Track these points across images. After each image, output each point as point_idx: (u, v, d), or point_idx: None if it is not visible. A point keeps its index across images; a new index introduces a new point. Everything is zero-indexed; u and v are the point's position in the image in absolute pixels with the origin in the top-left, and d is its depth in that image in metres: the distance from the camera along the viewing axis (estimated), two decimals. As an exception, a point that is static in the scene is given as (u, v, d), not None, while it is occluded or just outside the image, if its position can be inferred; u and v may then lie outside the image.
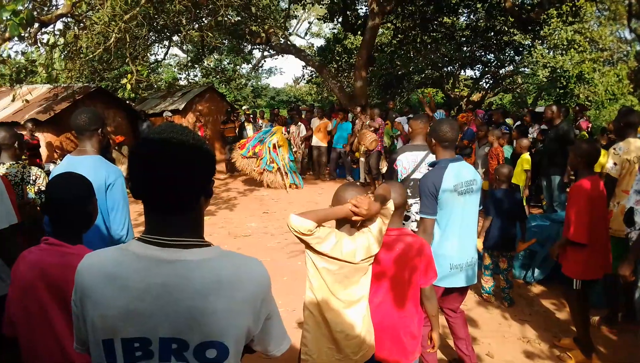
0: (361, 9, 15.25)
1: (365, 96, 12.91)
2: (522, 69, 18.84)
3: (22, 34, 5.63)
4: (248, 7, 12.04)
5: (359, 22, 14.63)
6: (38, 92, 11.74)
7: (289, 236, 7.08)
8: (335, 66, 17.92)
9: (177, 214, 1.14)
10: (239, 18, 13.39)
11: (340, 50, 17.67)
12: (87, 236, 2.67)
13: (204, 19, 12.51)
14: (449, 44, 16.49)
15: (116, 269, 1.11)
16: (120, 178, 2.68)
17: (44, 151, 9.74)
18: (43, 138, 10.04)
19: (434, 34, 15.83)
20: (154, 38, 13.62)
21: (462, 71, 20.45)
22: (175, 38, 14.69)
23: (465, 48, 17.14)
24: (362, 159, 10.20)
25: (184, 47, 18.02)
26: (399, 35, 15.81)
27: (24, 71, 10.10)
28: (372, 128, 9.72)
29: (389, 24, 16.25)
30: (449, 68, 19.34)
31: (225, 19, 12.58)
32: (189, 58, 18.05)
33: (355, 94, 13.14)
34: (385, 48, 17.95)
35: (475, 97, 20.62)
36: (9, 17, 4.43)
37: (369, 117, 10.01)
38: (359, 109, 10.62)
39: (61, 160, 9.63)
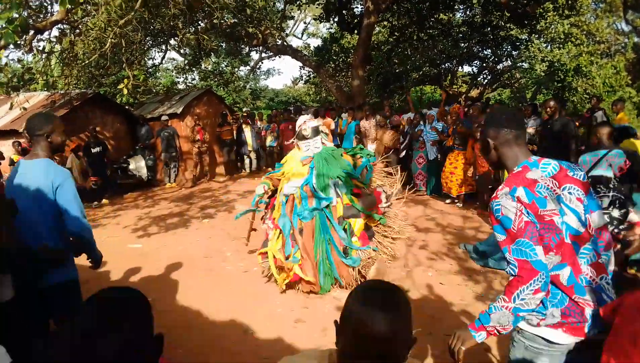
0: (357, 7, 15.24)
1: (363, 95, 12.91)
2: (520, 63, 18.83)
3: (18, 42, 5.64)
4: (243, 9, 12.03)
5: (355, 20, 14.62)
6: (36, 99, 11.76)
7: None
8: (332, 65, 17.92)
9: None
10: (235, 20, 13.39)
11: (337, 49, 17.66)
12: (45, 238, 2.72)
13: (199, 22, 12.52)
14: (445, 40, 16.47)
15: None
16: (69, 179, 2.80)
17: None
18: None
19: (431, 30, 15.82)
20: (150, 42, 13.63)
21: (460, 67, 20.42)
22: (172, 42, 14.70)
23: (462, 44, 17.12)
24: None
25: (182, 50, 18.02)
26: (396, 33, 15.80)
27: (21, 78, 10.10)
28: (391, 125, 9.53)
29: (385, 22, 16.25)
30: (446, 65, 19.31)
31: (221, 21, 12.59)
32: (187, 61, 18.04)
33: (353, 93, 13.15)
34: (382, 46, 17.93)
35: (474, 93, 20.60)
36: (3, 26, 4.43)
37: (382, 115, 9.87)
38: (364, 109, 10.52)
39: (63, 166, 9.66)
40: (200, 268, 5.98)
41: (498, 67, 19.51)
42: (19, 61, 9.42)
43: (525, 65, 18.28)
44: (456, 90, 20.86)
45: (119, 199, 10.98)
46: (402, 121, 9.96)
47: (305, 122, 4.88)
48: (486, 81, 20.91)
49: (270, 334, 4.16)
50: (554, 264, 1.82)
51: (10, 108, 10.36)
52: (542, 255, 1.77)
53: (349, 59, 16.18)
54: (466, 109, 10.06)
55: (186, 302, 4.91)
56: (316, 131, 4.82)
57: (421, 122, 9.45)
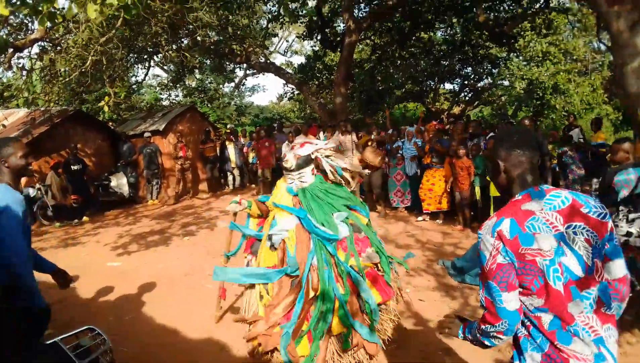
0: (339, 26, 15.49)
1: (345, 112, 13.04)
2: (500, 81, 19.21)
3: (-5, 60, 5.63)
4: (226, 27, 12.15)
5: (338, 39, 14.83)
6: (15, 116, 11.68)
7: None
8: (316, 82, 18.08)
9: None
10: (219, 38, 13.49)
11: (320, 67, 17.85)
12: None
13: (183, 40, 12.59)
14: (427, 58, 16.78)
15: None
16: (14, 206, 2.56)
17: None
18: None
19: (412, 49, 16.11)
20: (134, 59, 13.65)
21: (442, 84, 20.77)
22: (155, 58, 14.74)
23: (443, 62, 17.45)
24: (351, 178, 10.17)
25: (165, 67, 18.05)
26: (378, 51, 16.06)
27: (1, 95, 10.05)
28: (375, 142, 9.49)
29: (367, 40, 16.50)
30: (428, 82, 19.63)
31: (205, 39, 12.68)
32: (170, 78, 18.07)
33: (335, 110, 13.28)
34: (364, 64, 18.18)
35: (456, 110, 20.92)
36: (-20, 44, 4.43)
37: (368, 132, 9.89)
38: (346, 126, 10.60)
39: (40, 184, 9.52)
40: (180, 286, 5.94)
41: (479, 84, 19.89)
42: (-1, 78, 9.38)
43: (506, 82, 18.66)
44: (438, 107, 21.17)
45: (99, 217, 10.88)
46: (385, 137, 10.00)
47: (293, 147, 3.65)
48: (468, 98, 21.26)
49: (245, 352, 4.14)
50: (534, 306, 1.69)
51: (-10, 125, 10.30)
52: (511, 301, 1.67)
53: (332, 77, 16.36)
54: (448, 126, 10.22)
55: (164, 320, 4.87)
56: (306, 162, 3.53)
57: (399, 139, 9.56)
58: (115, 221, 10.33)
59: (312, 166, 3.58)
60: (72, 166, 10.37)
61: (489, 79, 19.39)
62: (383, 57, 16.25)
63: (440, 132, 9.17)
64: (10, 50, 6.73)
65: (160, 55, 13.04)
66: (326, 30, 14.99)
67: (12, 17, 8.44)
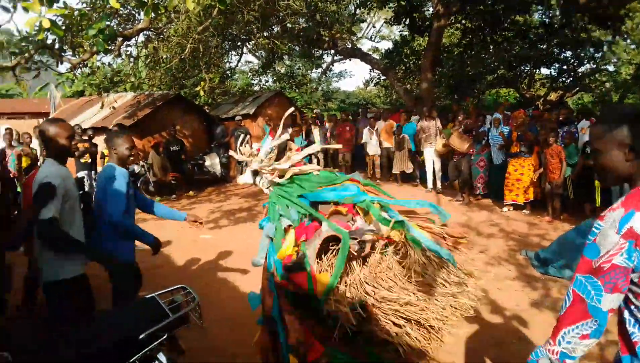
0: (427, 10, 15.12)
1: (431, 98, 12.82)
2: (604, 66, 17.75)
3: (108, 48, 6.27)
4: (315, 14, 12.39)
5: (427, 23, 14.52)
6: (123, 100, 12.80)
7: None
8: (403, 68, 17.86)
9: None
10: (307, 25, 13.79)
11: (407, 52, 17.57)
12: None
13: (273, 27, 13.03)
14: (522, 42, 15.89)
15: None
16: (118, 178, 3.31)
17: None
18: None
19: (505, 32, 15.34)
20: (227, 47, 14.34)
21: (538, 69, 19.56)
22: (248, 46, 15.38)
23: (539, 46, 16.41)
24: (434, 161, 10.00)
25: (257, 53, 18.76)
26: (468, 36, 15.50)
27: (111, 80, 11.10)
28: (463, 128, 9.25)
29: (457, 25, 15.98)
30: (523, 67, 18.58)
31: (294, 26, 13.03)
32: (261, 65, 18.76)
33: (421, 96, 13.10)
34: (453, 49, 17.62)
35: (553, 96, 19.67)
36: (95, 34, 4.97)
37: (454, 118, 9.70)
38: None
39: (143, 161, 10.42)
40: (263, 260, 6.31)
41: (579, 70, 18.51)
42: (110, 65, 10.34)
43: (610, 68, 17.23)
44: (534, 93, 20.03)
45: (196, 193, 11.69)
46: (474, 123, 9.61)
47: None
48: (566, 84, 19.88)
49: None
50: None
51: (101, 107, 11.42)
52: (610, 302, 1.46)
53: (419, 62, 16.06)
54: (545, 114, 9.71)
55: (247, 290, 5.25)
56: (254, 174, 3.52)
57: (487, 125, 9.26)
58: (208, 198, 11.06)
59: (260, 179, 3.52)
60: (171, 147, 11.23)
61: (591, 64, 17.95)
62: (474, 41, 15.63)
63: (530, 119, 8.79)
64: (120, 39, 7.43)
65: (252, 42, 13.60)
66: (414, 14, 14.72)
67: (121, 9, 9.26)
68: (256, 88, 22.46)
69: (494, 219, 8.01)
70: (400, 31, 18.68)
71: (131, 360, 2.28)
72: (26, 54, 7.04)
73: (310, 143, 13.28)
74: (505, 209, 8.43)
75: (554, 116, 8.59)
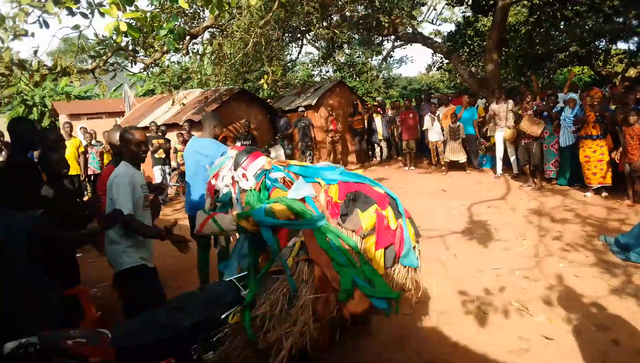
0: (492, -12, 14.52)
1: (497, 80, 12.34)
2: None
3: (177, 47, 6.56)
4: (374, 1, 12.28)
5: (490, 2, 13.95)
6: (192, 96, 13.33)
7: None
8: (466, 50, 17.31)
9: None
10: (367, 11, 13.68)
11: (471, 33, 16.98)
12: None
13: (332, 17, 13.04)
14: (595, 16, 14.87)
15: None
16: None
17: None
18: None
19: (577, 7, 14.44)
20: (288, 39, 14.54)
21: (614, 44, 18.25)
22: (307, 37, 15.49)
23: (615, 19, 15.29)
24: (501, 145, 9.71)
25: (316, 44, 18.87)
26: (536, 12, 14.73)
27: (180, 78, 11.59)
28: (532, 111, 8.82)
29: (524, 1, 15.24)
30: (597, 42, 17.40)
31: (353, 14, 12.97)
32: (321, 55, 18.85)
33: (486, 78, 12.65)
34: (520, 27, 16.82)
35: (632, 72, 18.32)
36: (166, 34, 5.22)
37: (522, 100, 9.35)
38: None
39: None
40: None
41: (663, 42, 17.07)
42: (178, 63, 10.79)
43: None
44: (610, 70, 18.75)
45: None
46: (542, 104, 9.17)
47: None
48: (647, 58, 18.42)
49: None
50: None
51: (172, 104, 11.97)
52: None
53: (483, 43, 15.48)
54: (622, 90, 9.10)
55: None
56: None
57: (561, 104, 8.79)
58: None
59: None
60: (242, 141, 11.58)
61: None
62: (542, 18, 14.83)
63: (605, 98, 8.25)
64: (187, 37, 7.75)
65: (312, 33, 13.69)
66: (477, -7, 14.21)
67: (187, 8, 9.62)
68: (317, 79, 22.62)
69: (569, 204, 7.65)
70: (462, 12, 18.04)
71: (214, 339, 2.44)
72: (104, 57, 7.52)
73: (372, 131, 13.28)
74: (588, 194, 7.94)
75: (634, 94, 8.00)
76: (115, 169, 3.29)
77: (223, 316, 2.49)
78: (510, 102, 9.40)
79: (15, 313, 2.42)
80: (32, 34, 6.15)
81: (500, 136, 9.61)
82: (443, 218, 7.37)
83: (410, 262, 3.33)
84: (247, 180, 3.42)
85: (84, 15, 5.81)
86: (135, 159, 3.34)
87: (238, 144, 11.44)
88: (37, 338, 1.99)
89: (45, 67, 6.91)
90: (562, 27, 15.45)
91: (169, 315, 2.49)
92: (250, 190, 3.41)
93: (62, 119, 16.91)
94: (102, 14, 5.96)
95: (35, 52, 6.80)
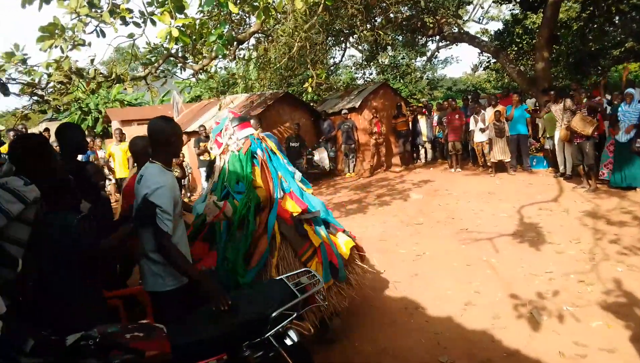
0: (542, -16, 14.06)
1: (548, 78, 11.94)
2: None
3: (225, 53, 6.73)
4: (418, 1, 12.16)
5: (540, -2, 13.53)
6: (238, 100, 13.59)
7: (457, 225, 7.11)
8: (515, 48, 16.86)
9: None
10: (411, 12, 13.57)
11: (520, 31, 16.53)
12: None
13: (376, 19, 13.00)
14: (653, 9, 14.14)
15: None
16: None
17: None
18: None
19: (633, 0, 13.78)
20: (331, 42, 14.60)
21: (675, 38, 17.28)
22: (351, 39, 15.51)
23: (677, 10, 14.48)
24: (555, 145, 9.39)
25: (360, 47, 18.86)
26: (589, 8, 14.16)
27: (226, 83, 11.87)
28: (588, 110, 8.48)
29: (576, -4, 14.71)
30: (656, 36, 16.52)
31: (397, 15, 12.89)
32: (364, 57, 18.82)
33: (536, 77, 12.27)
34: (572, 24, 16.20)
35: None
36: (215, 39, 5.37)
37: (577, 98, 9.05)
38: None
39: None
40: (375, 249, 6.39)
41: None
42: (225, 68, 11.05)
43: None
44: (671, 65, 17.78)
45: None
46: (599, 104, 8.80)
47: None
48: None
49: (439, 313, 4.35)
50: None
51: (219, 109, 12.25)
52: None
53: (533, 41, 15.01)
54: None
55: (361, 279, 5.36)
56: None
57: (606, 104, 8.43)
58: (318, 191, 11.39)
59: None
60: (291, 143, 11.74)
61: None
62: (596, 13, 14.23)
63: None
64: (235, 43, 7.95)
65: (355, 35, 13.69)
66: (526, -10, 13.82)
67: (234, 14, 9.86)
68: (360, 82, 22.58)
69: (626, 206, 7.31)
70: (510, 10, 17.59)
71: (265, 336, 2.48)
72: (155, 64, 7.82)
73: (417, 133, 13.14)
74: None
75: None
76: (147, 174, 2.76)
77: (274, 314, 2.52)
78: (568, 101, 9.05)
79: (65, 311, 2.58)
80: (89, 44, 6.48)
81: (556, 136, 9.33)
82: (491, 220, 7.20)
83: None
84: (235, 140, 4.05)
85: (137, 25, 6.09)
86: (173, 156, 2.90)
87: (287, 144, 11.62)
88: (97, 332, 2.08)
89: (101, 75, 7.26)
90: (616, 22, 14.78)
91: (221, 312, 2.55)
92: (235, 154, 4.02)
93: (114, 125, 17.63)
94: (154, 23, 6.22)
95: (92, 61, 7.16)
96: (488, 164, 10.82)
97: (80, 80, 7.03)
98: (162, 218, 2.62)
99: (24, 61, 6.40)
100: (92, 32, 5.99)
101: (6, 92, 6.48)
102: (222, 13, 7.50)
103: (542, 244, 5.96)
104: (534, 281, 4.84)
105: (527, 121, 10.43)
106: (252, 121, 4.61)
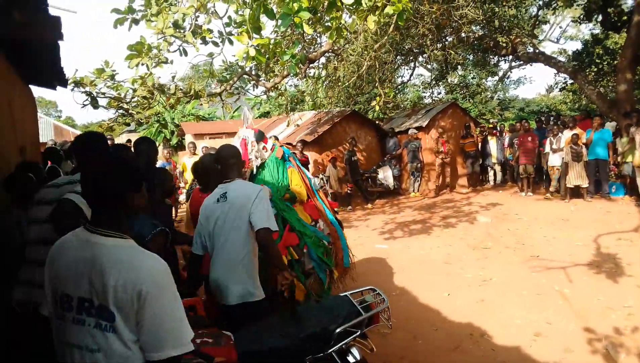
0: (625, 3, 13.34)
1: (631, 101, 11.25)
2: None
3: (297, 71, 6.93)
4: (492, 21, 11.91)
5: (624, 18, 12.84)
6: (306, 117, 13.87)
7: (527, 251, 6.82)
8: (594, 69, 16.06)
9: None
10: (484, 32, 13.31)
11: (600, 52, 15.74)
12: None
13: (447, 38, 12.87)
14: None
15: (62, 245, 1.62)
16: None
17: (310, 166, 11.42)
18: (310, 155, 11.81)
19: None
20: (400, 61, 14.59)
21: None
22: (420, 59, 15.42)
23: None
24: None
25: (429, 66, 18.70)
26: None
27: (295, 100, 12.15)
28: None
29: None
30: None
31: (469, 34, 12.69)
32: (433, 77, 18.62)
33: (618, 100, 11.60)
34: (659, 43, 15.23)
35: None
36: (289, 58, 5.56)
37: None
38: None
39: (322, 174, 11.15)
40: (439, 272, 6.27)
41: None
42: (295, 86, 11.32)
43: None
44: None
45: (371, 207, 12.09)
46: None
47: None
48: None
49: (506, 342, 4.19)
50: None
51: (287, 125, 12.57)
52: None
53: (614, 62, 14.24)
54: None
55: (425, 301, 5.27)
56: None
57: None
58: (381, 210, 11.34)
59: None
60: (352, 158, 11.79)
61: None
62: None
63: None
64: (307, 62, 8.16)
65: (425, 55, 13.59)
66: (609, 9, 13.16)
67: (311, 33, 10.14)
68: (427, 101, 22.34)
69: None
70: (590, 29, 16.86)
71: (328, 352, 2.50)
72: (230, 81, 8.18)
73: (486, 154, 12.77)
74: None
75: None
76: (240, 184, 3.02)
77: (338, 330, 2.54)
78: None
79: None
80: (171, 62, 6.90)
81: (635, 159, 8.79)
82: (565, 248, 6.84)
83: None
84: (266, 151, 4.57)
85: (216, 44, 6.43)
86: (240, 175, 3.18)
87: (349, 158, 11.67)
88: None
89: (180, 91, 7.69)
90: None
91: (287, 324, 2.61)
92: (270, 157, 4.54)
93: (188, 138, 18.50)
94: (231, 42, 6.53)
95: (174, 77, 7.61)
96: (562, 189, 10.31)
97: (162, 95, 7.50)
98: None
99: (112, 77, 6.92)
100: (175, 51, 6.40)
101: (96, 105, 7.03)
102: (294, 33, 7.74)
103: (620, 276, 5.59)
104: (611, 315, 4.55)
105: (608, 146, 9.87)
106: (298, 145, 5.25)
